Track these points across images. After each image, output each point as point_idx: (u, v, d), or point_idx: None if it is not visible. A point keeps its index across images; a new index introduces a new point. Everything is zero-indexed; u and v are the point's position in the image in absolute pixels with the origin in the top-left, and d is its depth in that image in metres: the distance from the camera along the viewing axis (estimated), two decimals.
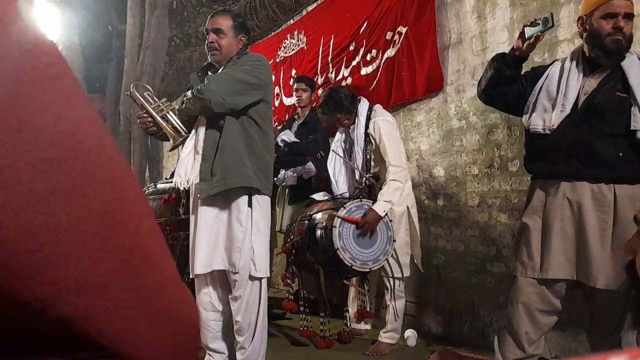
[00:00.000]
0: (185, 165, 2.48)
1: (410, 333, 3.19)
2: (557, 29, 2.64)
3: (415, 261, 3.12)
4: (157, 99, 2.49)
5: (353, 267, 2.77)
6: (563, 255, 2.00)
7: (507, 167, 2.91)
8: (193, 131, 2.50)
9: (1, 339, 0.31)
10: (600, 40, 1.94)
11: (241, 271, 2.45)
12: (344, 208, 2.80)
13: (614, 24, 1.91)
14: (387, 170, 2.92)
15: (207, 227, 2.47)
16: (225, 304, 2.59)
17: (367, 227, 2.82)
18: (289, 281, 3.07)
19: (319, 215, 2.98)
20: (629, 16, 1.92)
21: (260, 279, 2.52)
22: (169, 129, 2.42)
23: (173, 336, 0.37)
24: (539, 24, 1.95)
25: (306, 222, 3.01)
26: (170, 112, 2.46)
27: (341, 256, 2.73)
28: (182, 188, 2.54)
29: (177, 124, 2.44)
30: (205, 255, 2.47)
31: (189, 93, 2.41)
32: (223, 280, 2.56)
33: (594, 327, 2.11)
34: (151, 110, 2.43)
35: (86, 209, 0.30)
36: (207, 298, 2.57)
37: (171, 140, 2.46)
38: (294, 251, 3.02)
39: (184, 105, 2.42)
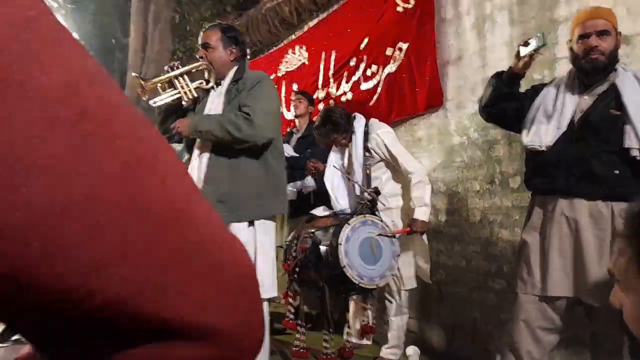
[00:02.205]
0: None
1: (412, 350, 3.18)
2: (555, 46, 2.66)
3: (418, 274, 3.12)
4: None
5: (360, 284, 2.76)
6: (562, 272, 2.01)
7: (508, 183, 2.91)
8: (197, 152, 2.44)
9: (72, 339, 0.28)
10: (578, 62, 2.00)
11: None
12: (349, 224, 2.81)
13: (586, 45, 1.95)
14: (408, 179, 2.98)
15: None
16: None
17: (417, 233, 2.91)
18: (290, 300, 3.06)
19: (321, 232, 2.98)
20: (604, 33, 1.94)
21: (265, 300, 2.50)
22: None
23: (234, 290, 0.33)
24: (530, 43, 2.01)
25: (309, 239, 3.00)
26: (180, 80, 2.38)
27: (348, 274, 2.73)
28: None
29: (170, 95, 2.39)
30: None
31: (222, 131, 2.28)
32: None
33: (596, 346, 2.10)
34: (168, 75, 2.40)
35: (100, 173, 0.26)
36: None
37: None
38: (297, 269, 3.01)
39: (219, 133, 2.30)
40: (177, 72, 2.37)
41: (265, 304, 2.52)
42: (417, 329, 3.57)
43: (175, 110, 2.48)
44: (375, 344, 3.36)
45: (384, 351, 3.09)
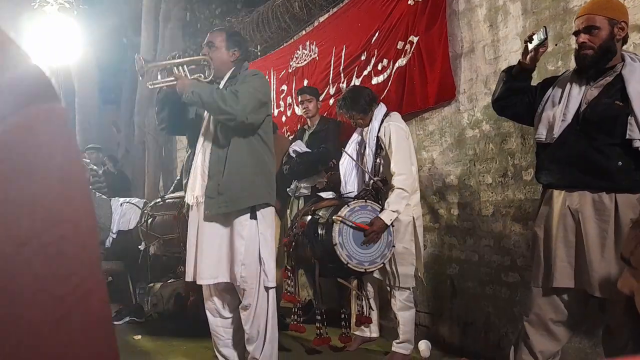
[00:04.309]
0: (193, 182, 2.55)
1: (424, 345, 3.16)
2: (569, 37, 2.63)
3: (418, 274, 3.09)
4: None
5: (348, 264, 2.77)
6: (568, 264, 2.01)
7: (521, 176, 2.88)
8: (199, 149, 2.56)
9: None
10: (574, 57, 2.07)
11: (248, 281, 2.49)
12: (348, 206, 2.83)
13: (577, 41, 2.02)
14: (392, 177, 2.93)
15: (211, 240, 2.52)
16: (231, 310, 2.65)
17: (372, 234, 2.83)
18: (288, 273, 3.05)
19: (322, 211, 2.99)
20: (592, 28, 1.97)
21: (270, 289, 2.56)
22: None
23: None
24: (534, 38, 2.05)
25: (309, 216, 3.02)
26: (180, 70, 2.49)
27: (338, 252, 2.75)
28: (190, 203, 2.59)
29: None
30: (212, 267, 2.52)
31: (210, 97, 2.39)
32: (228, 288, 2.60)
33: (608, 337, 2.08)
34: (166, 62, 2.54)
35: None
36: (212, 305, 2.64)
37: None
38: (293, 243, 3.01)
39: (207, 98, 2.40)
40: (177, 60, 2.50)
41: (272, 292, 2.57)
42: (429, 324, 3.55)
43: (172, 103, 2.57)
44: (386, 340, 3.34)
45: (395, 346, 3.07)
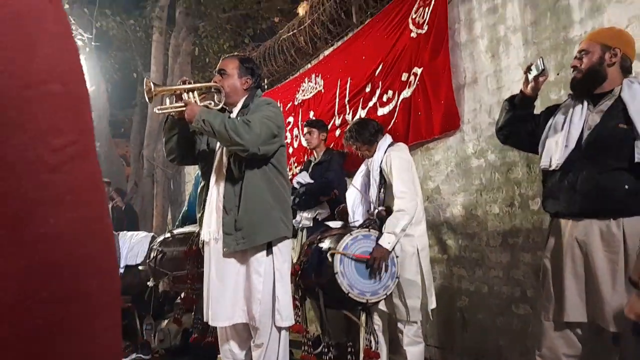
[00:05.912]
0: (209, 218, 2.47)
1: None
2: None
3: (428, 308, 2.97)
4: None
5: (349, 294, 2.71)
6: (579, 298, 1.97)
7: (528, 205, 2.86)
8: (213, 183, 2.49)
9: None
10: None
11: (262, 319, 2.41)
12: (351, 234, 2.79)
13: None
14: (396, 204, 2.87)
15: (227, 278, 2.45)
16: (245, 353, 2.57)
17: (376, 263, 2.76)
18: (297, 303, 2.97)
19: (327, 240, 2.97)
20: (583, 52, 2.04)
21: (282, 329, 2.47)
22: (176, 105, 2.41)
23: None
24: (532, 69, 2.09)
25: (315, 245, 3.00)
26: (190, 96, 2.40)
27: (339, 281, 2.70)
28: (206, 240, 2.51)
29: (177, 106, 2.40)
30: (227, 308, 2.44)
31: (221, 126, 2.28)
32: (243, 329, 2.53)
33: None
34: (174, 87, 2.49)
35: None
36: (227, 347, 2.56)
37: (168, 102, 2.44)
38: (300, 272, 2.98)
39: (219, 127, 2.27)
40: (188, 86, 2.42)
41: (284, 333, 2.49)
42: (440, 358, 3.47)
43: (180, 131, 2.50)
44: None
45: None
